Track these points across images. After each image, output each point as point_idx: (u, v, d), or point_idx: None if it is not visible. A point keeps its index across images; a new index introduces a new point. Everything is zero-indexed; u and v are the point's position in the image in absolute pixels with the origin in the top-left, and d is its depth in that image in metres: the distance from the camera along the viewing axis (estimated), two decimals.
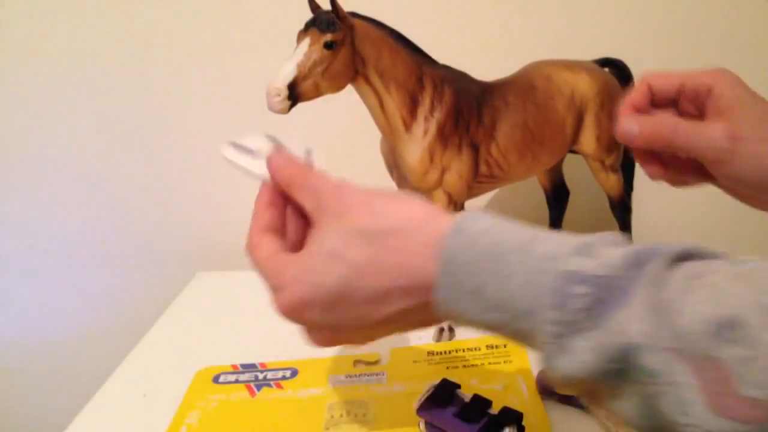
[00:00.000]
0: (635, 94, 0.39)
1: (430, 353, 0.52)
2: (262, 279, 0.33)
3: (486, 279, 0.27)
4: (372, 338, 0.33)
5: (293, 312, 0.31)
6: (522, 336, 0.27)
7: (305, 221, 0.35)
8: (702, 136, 0.37)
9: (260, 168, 0.38)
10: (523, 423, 0.40)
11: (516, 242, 0.27)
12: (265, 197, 0.36)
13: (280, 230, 0.35)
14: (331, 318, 0.31)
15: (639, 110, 0.39)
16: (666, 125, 0.38)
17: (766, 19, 0.69)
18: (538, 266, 0.26)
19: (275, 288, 0.32)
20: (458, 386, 0.42)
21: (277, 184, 0.35)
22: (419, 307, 0.29)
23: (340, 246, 0.30)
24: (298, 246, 0.34)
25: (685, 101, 0.39)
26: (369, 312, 0.30)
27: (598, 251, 0.25)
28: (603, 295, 0.24)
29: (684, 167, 0.40)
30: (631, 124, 0.38)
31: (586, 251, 0.25)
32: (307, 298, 0.30)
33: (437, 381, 0.43)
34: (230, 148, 0.40)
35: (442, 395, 0.42)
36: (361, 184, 0.33)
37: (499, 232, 0.28)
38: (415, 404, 0.42)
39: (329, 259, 0.30)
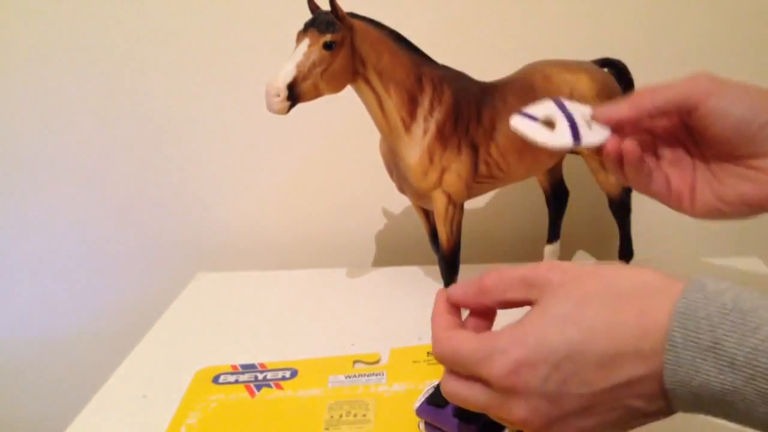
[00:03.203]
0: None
1: (430, 353, 0.52)
2: (460, 365, 0.32)
3: (727, 331, 0.25)
4: (590, 429, 0.30)
5: (512, 374, 0.29)
6: (760, 401, 0.25)
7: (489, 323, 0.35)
8: (677, 85, 0.38)
9: (549, 137, 0.39)
10: None
11: (764, 300, 0.26)
12: (443, 305, 0.36)
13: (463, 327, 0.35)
14: (552, 385, 0.29)
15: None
16: (640, 94, 0.39)
17: (766, 18, 0.69)
18: None
19: (485, 358, 0.30)
20: None
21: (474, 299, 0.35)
22: (649, 379, 0.27)
23: (572, 310, 0.29)
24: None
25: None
26: (597, 378, 0.28)
27: None
28: None
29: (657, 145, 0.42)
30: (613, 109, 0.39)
31: None
32: (530, 359, 0.29)
33: (437, 381, 0.43)
34: (518, 117, 0.41)
35: (442, 395, 0.42)
36: None
37: (742, 291, 0.27)
38: (415, 404, 0.42)
39: (559, 322, 0.29)
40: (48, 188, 0.78)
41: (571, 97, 0.53)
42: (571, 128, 0.40)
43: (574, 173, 0.67)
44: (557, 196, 0.65)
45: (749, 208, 0.40)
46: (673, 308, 0.27)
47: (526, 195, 0.74)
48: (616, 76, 0.58)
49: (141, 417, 0.47)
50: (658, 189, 0.42)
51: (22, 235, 0.81)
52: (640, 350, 0.27)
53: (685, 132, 0.42)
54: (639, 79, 0.58)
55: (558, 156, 0.55)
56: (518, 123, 0.41)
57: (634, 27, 0.69)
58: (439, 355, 0.34)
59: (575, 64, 0.55)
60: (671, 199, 0.42)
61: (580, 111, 0.42)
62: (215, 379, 0.50)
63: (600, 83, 0.54)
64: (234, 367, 0.52)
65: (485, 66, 0.57)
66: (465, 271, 0.56)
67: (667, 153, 0.43)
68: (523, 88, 0.53)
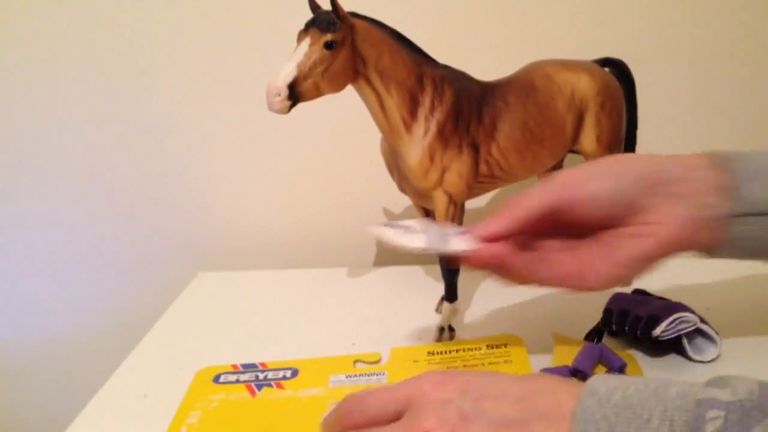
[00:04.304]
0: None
1: (431, 353, 0.52)
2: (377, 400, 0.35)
3: (624, 429, 0.27)
4: None
5: (434, 385, 0.34)
6: None
7: None
8: (541, 189, 0.41)
9: (414, 242, 0.42)
10: None
11: (649, 391, 0.28)
12: None
13: None
14: (469, 400, 0.31)
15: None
16: (514, 205, 0.41)
17: (766, 18, 0.69)
18: (673, 404, 0.27)
19: (407, 383, 0.36)
20: None
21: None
22: None
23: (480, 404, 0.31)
24: None
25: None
26: (512, 410, 0.30)
27: (732, 382, 0.27)
28: (734, 417, 0.25)
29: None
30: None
31: (717, 383, 0.27)
32: (452, 375, 0.34)
33: None
34: (380, 227, 0.44)
35: None
36: None
37: (629, 385, 0.29)
38: None
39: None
40: (48, 188, 0.78)
41: (573, 96, 0.53)
42: (427, 237, 0.42)
43: None
44: None
45: (651, 262, 0.40)
46: (573, 417, 0.28)
47: None
48: (617, 76, 0.58)
49: (142, 416, 0.47)
50: (555, 275, 0.42)
51: (22, 234, 0.81)
52: None
53: (554, 221, 0.42)
54: (640, 78, 0.58)
55: (559, 157, 0.55)
56: (375, 230, 0.43)
57: (634, 27, 0.69)
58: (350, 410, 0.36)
59: (576, 64, 0.55)
60: (574, 282, 0.42)
61: (445, 230, 0.43)
62: (216, 379, 0.50)
63: (601, 82, 0.54)
64: (235, 366, 0.52)
65: (486, 66, 0.57)
66: (465, 271, 0.56)
67: (545, 244, 0.43)
68: (524, 87, 0.53)
